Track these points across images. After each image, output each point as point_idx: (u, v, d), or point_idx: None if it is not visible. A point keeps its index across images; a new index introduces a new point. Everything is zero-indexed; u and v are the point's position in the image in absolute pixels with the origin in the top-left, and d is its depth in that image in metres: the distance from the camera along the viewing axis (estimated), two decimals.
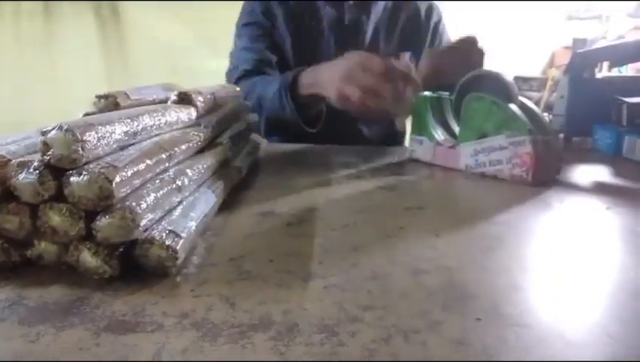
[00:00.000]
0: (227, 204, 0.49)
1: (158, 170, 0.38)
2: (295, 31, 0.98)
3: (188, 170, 0.42)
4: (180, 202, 0.39)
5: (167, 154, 0.40)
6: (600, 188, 0.61)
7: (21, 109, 2.50)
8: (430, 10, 1.06)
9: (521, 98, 0.63)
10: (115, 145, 0.35)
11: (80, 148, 0.31)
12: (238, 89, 0.73)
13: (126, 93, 0.48)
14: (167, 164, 0.39)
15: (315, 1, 0.98)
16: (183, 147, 0.43)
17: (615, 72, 1.23)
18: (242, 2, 1.06)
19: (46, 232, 0.32)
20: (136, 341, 0.26)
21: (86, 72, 2.99)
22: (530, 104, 0.63)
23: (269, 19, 0.99)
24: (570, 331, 0.27)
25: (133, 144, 0.38)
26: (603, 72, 0.99)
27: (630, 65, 2.06)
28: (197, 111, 0.51)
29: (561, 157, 0.62)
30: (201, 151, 0.48)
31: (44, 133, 0.31)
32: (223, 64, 1.32)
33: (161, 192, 0.36)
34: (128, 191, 0.33)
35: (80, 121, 0.33)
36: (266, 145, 0.80)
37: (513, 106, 0.60)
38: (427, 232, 0.43)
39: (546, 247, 0.41)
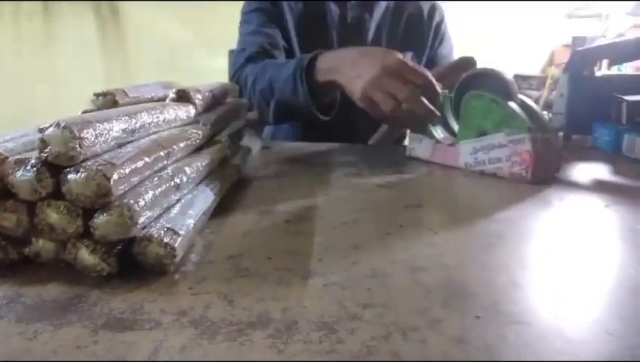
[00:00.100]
0: (226, 202, 0.49)
1: (156, 168, 0.38)
2: (300, 27, 0.98)
3: (186, 168, 0.41)
4: (179, 200, 0.39)
5: (166, 151, 0.39)
6: (599, 186, 0.61)
7: (21, 109, 2.49)
8: (433, 10, 1.06)
9: (520, 96, 0.63)
10: (113, 143, 0.35)
11: (77, 146, 0.31)
12: (237, 87, 0.72)
13: (124, 91, 0.48)
14: (165, 162, 0.39)
15: (321, 0, 0.98)
16: (182, 145, 0.43)
17: (614, 70, 1.23)
18: (242, 2, 1.05)
19: (44, 230, 0.32)
20: (134, 338, 0.26)
21: (86, 71, 2.98)
22: (530, 102, 0.63)
23: (275, 9, 0.98)
24: (570, 328, 0.27)
25: (131, 141, 0.38)
26: (602, 70, 0.98)
27: (629, 64, 2.06)
28: (195, 109, 0.51)
29: (561, 156, 0.62)
30: (199, 148, 0.48)
31: (41, 131, 0.31)
32: (222, 63, 1.33)
33: (159, 190, 0.36)
34: (126, 189, 0.33)
35: (78, 118, 0.33)
36: (266, 143, 0.80)
37: (513, 104, 0.60)
38: (427, 230, 0.43)
39: (546, 245, 0.41)
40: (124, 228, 0.31)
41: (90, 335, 0.26)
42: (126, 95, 0.47)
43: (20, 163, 0.32)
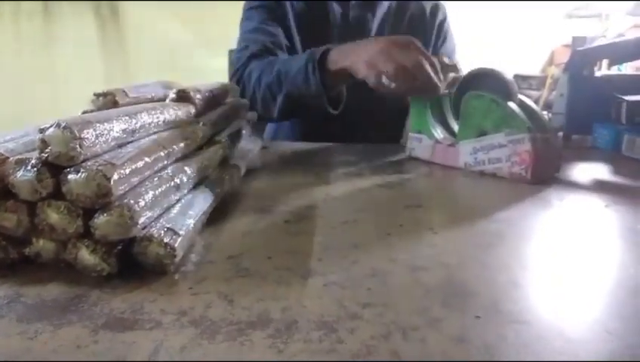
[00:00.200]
0: (226, 202, 0.49)
1: (156, 168, 0.38)
2: (302, 26, 0.98)
3: (186, 168, 0.41)
4: (179, 200, 0.39)
5: (166, 151, 0.39)
6: (599, 186, 0.61)
7: (21, 109, 2.49)
8: (436, 9, 1.06)
9: (520, 96, 0.63)
10: (113, 143, 0.35)
11: (78, 146, 0.31)
12: (237, 87, 0.72)
13: (124, 91, 0.48)
14: (165, 162, 0.39)
15: (324, 0, 0.98)
16: (182, 145, 0.43)
17: (614, 70, 1.23)
18: (243, 2, 1.05)
19: (44, 230, 0.32)
20: (134, 338, 0.26)
21: (86, 71, 2.98)
22: (530, 102, 0.63)
23: (279, 7, 0.98)
24: (570, 328, 0.27)
25: (131, 142, 0.38)
26: (602, 70, 0.99)
27: (629, 64, 2.05)
28: (195, 109, 0.51)
29: (561, 156, 0.62)
30: (199, 148, 0.48)
31: (42, 131, 0.31)
32: (223, 63, 1.33)
33: (159, 190, 0.36)
34: (126, 189, 0.33)
35: (78, 118, 0.33)
36: (266, 143, 0.80)
37: (512, 104, 0.60)
38: (426, 230, 0.43)
39: (546, 245, 0.41)
40: (124, 228, 0.31)
41: (91, 335, 0.26)
42: (126, 95, 0.47)
43: (21, 163, 0.32)
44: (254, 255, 0.37)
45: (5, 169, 0.33)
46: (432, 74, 0.67)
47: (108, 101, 0.46)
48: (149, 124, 0.41)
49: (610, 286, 0.34)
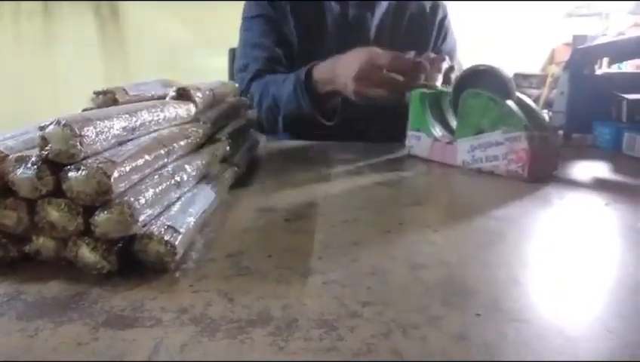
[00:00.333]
0: (226, 200, 0.49)
1: (156, 166, 0.38)
2: (300, 26, 0.98)
3: (187, 166, 0.41)
4: (179, 198, 0.39)
5: (166, 149, 0.39)
6: (599, 185, 0.61)
7: (21, 109, 2.49)
8: (436, 7, 1.06)
9: (518, 94, 0.63)
10: (113, 141, 0.35)
11: (78, 143, 0.31)
12: (237, 85, 0.72)
13: (124, 89, 0.48)
14: (165, 160, 0.39)
15: (322, 0, 0.98)
16: (182, 143, 0.43)
17: (615, 69, 1.23)
18: (243, 2, 1.05)
19: (44, 227, 0.32)
20: (134, 336, 0.26)
21: (86, 71, 2.98)
22: (528, 100, 0.63)
23: (275, 11, 0.98)
24: (570, 326, 0.27)
25: (131, 139, 0.38)
26: (603, 68, 0.98)
27: (630, 62, 2.05)
28: (196, 107, 0.51)
29: (559, 154, 0.62)
30: (200, 147, 0.48)
31: (42, 128, 0.31)
32: (223, 63, 1.33)
33: (159, 188, 0.36)
34: (127, 187, 0.33)
35: (78, 116, 0.33)
36: (266, 142, 0.80)
37: (510, 102, 0.60)
38: (426, 228, 0.43)
39: (546, 243, 0.41)
40: (124, 226, 0.31)
41: (91, 332, 0.26)
42: (126, 93, 0.47)
43: (21, 160, 0.32)
44: (254, 253, 0.37)
45: (5, 166, 0.33)
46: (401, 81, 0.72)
47: (108, 99, 0.46)
48: (150, 121, 0.41)
49: (611, 284, 0.34)
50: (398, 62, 0.72)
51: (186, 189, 0.40)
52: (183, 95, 0.50)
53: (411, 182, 0.62)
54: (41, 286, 0.31)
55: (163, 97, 0.51)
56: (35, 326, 0.26)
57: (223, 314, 0.28)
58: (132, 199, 0.32)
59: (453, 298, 0.30)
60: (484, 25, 3.50)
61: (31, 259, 0.34)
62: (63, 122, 0.31)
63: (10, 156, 0.33)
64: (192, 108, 0.50)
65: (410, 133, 0.72)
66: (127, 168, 0.33)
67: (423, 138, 0.70)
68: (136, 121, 0.38)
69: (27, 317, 0.27)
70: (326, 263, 0.35)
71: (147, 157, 0.36)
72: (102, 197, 0.31)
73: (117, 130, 0.35)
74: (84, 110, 0.44)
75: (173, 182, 0.38)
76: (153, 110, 0.42)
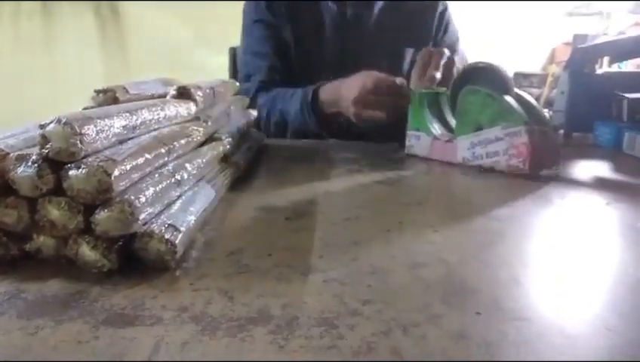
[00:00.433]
0: (226, 198, 0.49)
1: (157, 164, 0.38)
2: (298, 27, 0.98)
3: (187, 165, 0.41)
4: (180, 196, 0.39)
5: (167, 148, 0.39)
6: (600, 184, 0.61)
7: (21, 109, 2.49)
8: (435, 1, 1.06)
9: (517, 90, 0.62)
10: (113, 139, 0.35)
11: (78, 142, 0.31)
12: (238, 84, 0.72)
13: (125, 88, 0.48)
14: (166, 158, 0.39)
15: (320, 0, 0.98)
16: (182, 141, 0.43)
17: (615, 68, 1.23)
18: (243, 1, 1.05)
19: (45, 226, 0.32)
20: (135, 334, 0.26)
21: (86, 71, 2.98)
22: (526, 95, 0.63)
23: (273, 15, 0.98)
24: (570, 325, 0.27)
25: (132, 138, 0.38)
26: (603, 67, 0.98)
27: (630, 61, 2.05)
28: (196, 106, 0.51)
29: (558, 148, 0.62)
30: (200, 145, 0.48)
31: (42, 127, 0.31)
32: (223, 61, 1.33)
33: (160, 186, 0.36)
34: (127, 185, 0.33)
35: (79, 114, 0.33)
36: (266, 140, 0.80)
37: (508, 98, 0.60)
38: (426, 227, 0.43)
39: (547, 242, 0.41)
40: (125, 224, 0.31)
41: (92, 330, 0.26)
42: (126, 92, 0.47)
43: (21, 159, 0.32)
44: (255, 251, 0.37)
45: (6, 165, 0.33)
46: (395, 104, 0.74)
47: (108, 98, 0.46)
48: (150, 120, 0.41)
49: (611, 283, 0.34)
50: (382, 84, 0.75)
51: (186, 188, 0.40)
52: (183, 94, 0.50)
53: (411, 181, 0.62)
54: (42, 285, 0.31)
55: (163, 96, 0.51)
56: (36, 325, 0.26)
57: (224, 313, 0.28)
58: (132, 197, 0.32)
59: (453, 297, 0.30)
60: (484, 24, 3.49)
61: (31, 257, 0.34)
62: (64, 120, 0.31)
63: (11, 154, 0.33)
64: (193, 107, 0.50)
65: (409, 132, 0.72)
66: (128, 166, 0.33)
67: (423, 137, 0.70)
68: (136, 120, 0.38)
69: (27, 315, 0.27)
70: (326, 261, 0.35)
71: (147, 155, 0.36)
72: (102, 195, 0.31)
73: (117, 128, 0.35)
74: (85, 109, 0.44)
75: (173, 180, 0.38)
76: (154, 109, 0.42)
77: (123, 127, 0.36)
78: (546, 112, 0.69)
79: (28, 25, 3.05)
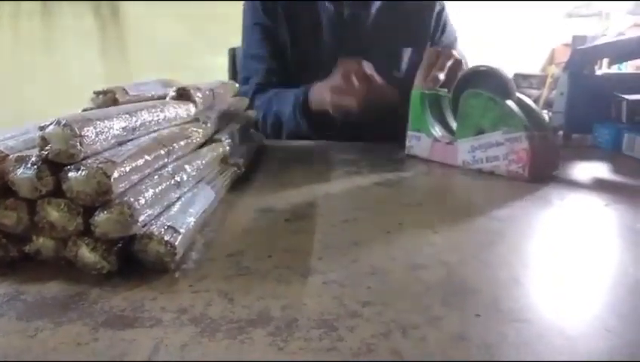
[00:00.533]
0: (226, 200, 0.49)
1: (156, 166, 0.38)
2: (295, 29, 0.99)
3: (187, 166, 0.41)
4: (179, 198, 0.39)
5: (166, 150, 0.39)
6: (599, 185, 0.61)
7: (21, 110, 2.49)
8: (433, 2, 1.06)
9: (518, 94, 0.63)
10: (113, 141, 0.35)
11: (78, 144, 0.31)
12: (237, 85, 0.72)
13: (124, 89, 0.48)
14: (165, 160, 0.39)
15: (316, 0, 0.98)
16: (182, 143, 0.43)
17: (614, 69, 1.23)
18: (243, 1, 1.06)
19: (44, 227, 0.32)
20: (134, 336, 0.26)
21: (86, 71, 2.98)
22: (528, 100, 0.63)
23: (270, 17, 0.99)
24: (570, 326, 0.27)
25: (131, 140, 0.38)
26: (602, 69, 0.99)
27: (630, 63, 2.06)
28: (196, 107, 0.51)
29: (559, 154, 0.62)
30: (200, 147, 0.48)
31: (42, 128, 0.31)
32: (223, 62, 1.33)
33: (159, 188, 0.36)
34: (127, 187, 0.33)
35: (78, 116, 0.33)
36: (266, 142, 0.80)
37: (510, 103, 0.60)
38: (426, 228, 0.43)
39: (546, 243, 0.41)
40: (124, 226, 0.31)
41: (91, 332, 0.26)
42: (126, 93, 0.47)
43: (21, 160, 0.32)
44: (254, 253, 0.37)
45: (5, 166, 0.33)
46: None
47: (108, 99, 0.46)
48: (149, 122, 0.41)
49: (610, 284, 0.34)
50: (355, 72, 0.75)
51: (185, 189, 0.40)
52: (183, 95, 0.50)
53: (411, 182, 0.62)
54: (41, 287, 0.31)
55: (163, 97, 0.51)
56: (35, 327, 0.26)
57: (223, 314, 0.28)
58: (132, 199, 0.32)
59: (453, 298, 0.30)
60: (483, 25, 3.49)
61: (31, 259, 0.34)
62: (63, 122, 0.31)
63: (11, 156, 0.33)
64: (192, 109, 0.50)
65: (410, 133, 0.72)
66: (127, 168, 0.33)
67: (423, 138, 0.70)
68: (136, 121, 0.38)
69: (27, 317, 0.27)
70: (326, 263, 0.35)
71: (147, 157, 0.36)
72: (102, 197, 0.31)
73: (117, 130, 0.35)
74: (85, 110, 0.44)
75: (173, 182, 0.38)
76: (153, 110, 0.42)
77: (122, 128, 0.36)
78: (546, 114, 0.69)
79: (28, 25, 3.05)
